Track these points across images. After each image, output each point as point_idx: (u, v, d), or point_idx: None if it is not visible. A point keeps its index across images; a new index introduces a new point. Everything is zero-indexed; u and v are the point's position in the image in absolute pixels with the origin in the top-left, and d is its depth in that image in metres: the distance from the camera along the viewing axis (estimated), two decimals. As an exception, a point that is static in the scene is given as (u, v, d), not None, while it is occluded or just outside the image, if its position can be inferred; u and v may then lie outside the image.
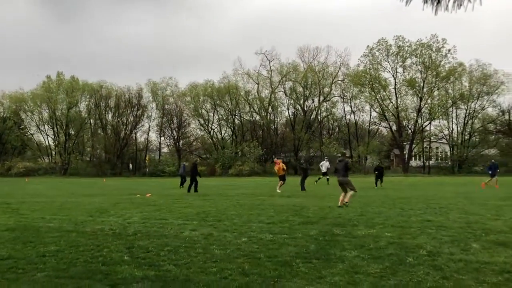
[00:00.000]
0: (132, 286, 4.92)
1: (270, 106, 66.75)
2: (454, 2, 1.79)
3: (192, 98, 67.87)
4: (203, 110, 68.42)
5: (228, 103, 67.16)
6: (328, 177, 27.84)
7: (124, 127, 69.34)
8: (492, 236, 7.68)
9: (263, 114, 67.07)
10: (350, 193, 13.42)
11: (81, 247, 7.20)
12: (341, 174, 13.63)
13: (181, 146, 69.24)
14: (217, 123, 69.22)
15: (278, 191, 20.72)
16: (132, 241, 7.72)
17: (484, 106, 60.10)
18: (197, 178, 21.90)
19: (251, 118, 68.85)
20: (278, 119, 70.33)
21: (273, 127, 68.42)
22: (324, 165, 29.04)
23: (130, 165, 70.49)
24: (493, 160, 29.36)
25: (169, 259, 6.23)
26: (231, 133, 69.70)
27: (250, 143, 62.68)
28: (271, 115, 68.02)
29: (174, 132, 68.91)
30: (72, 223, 10.09)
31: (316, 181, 28.11)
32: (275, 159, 22.92)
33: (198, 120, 68.76)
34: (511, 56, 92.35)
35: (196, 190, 21.23)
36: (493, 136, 62.39)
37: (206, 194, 20.18)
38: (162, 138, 71.44)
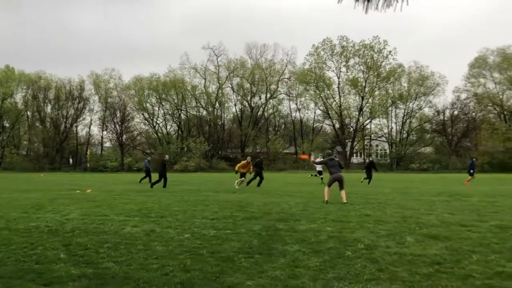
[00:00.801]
0: (68, 285, 4.74)
1: (217, 102, 66.59)
2: (384, 1, 1.87)
3: (137, 92, 66.33)
4: (147, 104, 67.13)
5: (174, 97, 66.27)
6: (322, 176, 26.55)
7: (64, 120, 66.59)
8: (425, 229, 8.08)
9: (210, 110, 66.79)
10: (344, 191, 13.46)
11: (13, 245, 6.84)
12: (338, 171, 13.79)
13: (124, 140, 67.43)
14: (163, 117, 68.21)
15: (237, 187, 20.91)
16: (70, 238, 7.44)
17: (421, 106, 63.31)
18: (166, 174, 21.68)
19: (198, 113, 68.36)
20: (225, 115, 70.46)
21: (220, 123, 68.34)
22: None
23: (71, 160, 67.88)
24: (474, 159, 29.69)
25: (108, 256, 6.07)
26: (177, 128, 68.86)
27: (196, 138, 62.23)
28: (218, 110, 67.92)
29: (117, 126, 67.00)
30: (3, 220, 9.56)
31: (310, 176, 27.53)
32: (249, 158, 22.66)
33: (143, 114, 67.35)
34: (446, 59, 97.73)
35: (164, 186, 21.02)
36: (428, 135, 65.79)
37: (149, 190, 19.80)
38: (105, 132, 69.40)
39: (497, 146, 53.31)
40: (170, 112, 67.70)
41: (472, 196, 15.81)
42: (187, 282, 4.78)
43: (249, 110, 67.45)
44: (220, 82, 66.38)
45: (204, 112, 68.04)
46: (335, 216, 10.11)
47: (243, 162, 22.31)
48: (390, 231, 7.94)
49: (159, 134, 67.99)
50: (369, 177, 25.20)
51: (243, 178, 21.57)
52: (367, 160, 28.26)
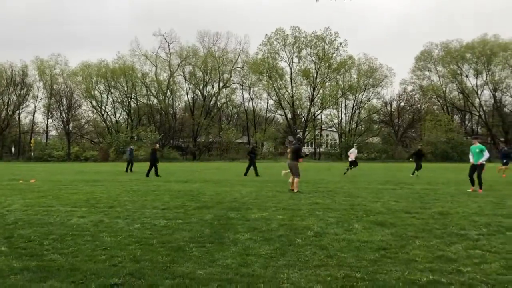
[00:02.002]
0: (10, 279, 4.53)
1: (168, 90, 65.43)
2: None
3: (84, 78, 63.99)
4: (96, 92, 64.94)
5: (123, 85, 64.49)
6: (357, 166, 24.56)
7: (6, 107, 63.12)
8: (372, 217, 8.37)
9: (161, 98, 65.56)
10: (295, 180, 13.52)
11: (-51, 238, 6.45)
12: (290, 157, 13.86)
13: (71, 129, 64.96)
14: (111, 105, 66.22)
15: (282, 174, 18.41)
16: (12, 230, 7.11)
17: (369, 98, 65.22)
18: (156, 163, 22.14)
19: (148, 102, 66.91)
20: (177, 104, 69.33)
21: (171, 112, 67.21)
22: (353, 153, 24.71)
23: (13, 149, 64.63)
24: (505, 147, 28.02)
25: (53, 248, 5.85)
26: (127, 116, 67.16)
27: (146, 127, 60.98)
28: (170, 99, 66.76)
29: (64, 114, 64.32)
30: None
31: (345, 173, 23.49)
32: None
33: (90, 102, 65.18)
34: (395, 52, 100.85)
35: (156, 174, 21.39)
36: (376, 126, 67.96)
37: (98, 180, 19.25)
38: (50, 120, 66.47)
39: (440, 136, 55.86)
40: (119, 100, 65.88)
41: (415, 184, 16.51)
42: (137, 272, 4.70)
43: (202, 99, 66.79)
44: (171, 70, 65.23)
45: (155, 101, 66.71)
46: (286, 204, 10.26)
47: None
48: (338, 219, 8.15)
49: (107, 123, 66.04)
50: (418, 167, 22.33)
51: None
52: (417, 148, 25.46)
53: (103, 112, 65.97)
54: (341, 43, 61.12)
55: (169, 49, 65.20)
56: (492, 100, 62.08)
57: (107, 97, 65.59)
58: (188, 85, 67.03)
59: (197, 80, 66.12)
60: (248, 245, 6.01)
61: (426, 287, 4.19)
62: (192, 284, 4.32)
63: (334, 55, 62.02)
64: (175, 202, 10.77)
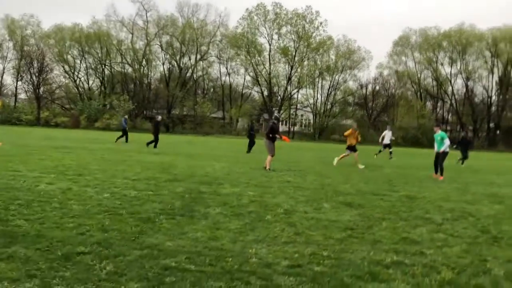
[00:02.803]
0: (-28, 243, 4.41)
1: (144, 59, 64.12)
2: None
3: (57, 42, 61.92)
4: (69, 56, 63.01)
5: (98, 51, 62.75)
6: (391, 149, 23.19)
7: (-29, 66, 60.72)
8: (341, 197, 8.51)
9: (136, 67, 64.27)
10: (268, 157, 13.53)
11: None
12: (265, 136, 13.93)
13: (41, 93, 63.10)
14: (85, 71, 64.55)
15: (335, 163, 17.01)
16: (-25, 194, 6.91)
17: (346, 79, 65.63)
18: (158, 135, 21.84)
19: (123, 70, 65.50)
20: (152, 74, 68.10)
21: (146, 82, 66.02)
22: (387, 135, 23.11)
23: (-22, 110, 62.47)
24: (463, 134, 27.59)
25: (19, 213, 5.72)
26: (100, 84, 65.63)
27: (120, 96, 59.80)
28: (145, 68, 65.48)
29: (34, 77, 62.36)
30: None
31: (376, 154, 22.89)
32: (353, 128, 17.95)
33: (63, 67, 63.30)
34: (372, 35, 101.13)
35: (155, 146, 21.05)
36: (351, 108, 68.63)
37: (67, 147, 18.86)
38: (20, 83, 64.29)
39: (412, 122, 56.96)
40: (93, 67, 64.21)
41: (385, 167, 16.84)
42: (105, 242, 4.66)
43: (178, 71, 65.77)
44: (148, 38, 63.75)
45: (130, 69, 65.34)
46: (257, 181, 10.31)
47: (349, 131, 17.59)
48: (308, 197, 8.26)
49: (80, 89, 64.44)
50: (464, 156, 21.27)
51: (348, 153, 17.10)
52: (460, 135, 23.92)
53: (75, 78, 64.29)
54: (321, 23, 61.10)
55: (146, 17, 63.68)
56: (464, 89, 63.44)
57: (81, 62, 63.89)
58: (164, 55, 65.91)
59: (174, 50, 64.94)
60: (218, 219, 6.03)
61: (390, 267, 4.30)
62: (160, 255, 4.32)
63: (314, 34, 61.99)
64: (146, 173, 10.68)
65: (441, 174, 13.30)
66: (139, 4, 63.49)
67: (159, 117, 24.57)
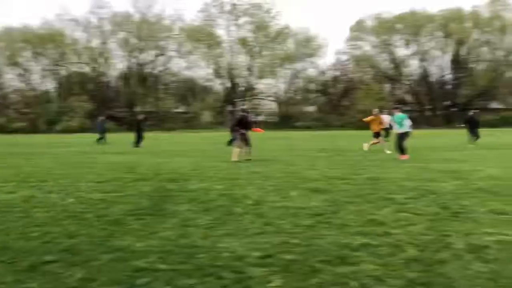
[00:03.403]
0: None
1: (101, 58, 62.49)
2: None
3: (7, 45, 59.44)
4: (21, 59, 60.65)
5: (52, 52, 60.67)
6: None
7: None
8: (308, 184, 8.65)
9: (94, 66, 62.57)
10: (235, 149, 13.53)
11: None
12: (247, 129, 14.00)
13: (-5, 99, 60.63)
14: (40, 74, 62.25)
15: (366, 149, 17.05)
16: None
17: (306, 67, 66.18)
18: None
19: (80, 70, 63.59)
20: (111, 72, 66.44)
21: (105, 80, 64.45)
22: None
23: None
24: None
25: (-20, 227, 5.53)
26: (57, 85, 63.55)
27: (79, 97, 58.16)
28: (103, 67, 63.85)
29: (-15, 83, 59.76)
30: None
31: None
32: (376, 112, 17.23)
33: (16, 70, 60.81)
34: (329, 22, 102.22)
35: (138, 145, 21.19)
36: (312, 95, 69.43)
37: (27, 153, 18.26)
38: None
39: (372, 104, 58.12)
40: (48, 68, 62.05)
41: (349, 151, 17.18)
42: (73, 248, 4.58)
43: (137, 67, 64.54)
44: (104, 36, 62.16)
45: (87, 69, 63.57)
46: (225, 174, 10.33)
47: (371, 116, 17.20)
48: (276, 187, 8.35)
49: (36, 92, 62.26)
50: (474, 134, 20.92)
51: (379, 140, 16.92)
52: (468, 115, 22.69)
53: (30, 81, 62.00)
54: (278, 12, 61.18)
55: (101, 15, 61.94)
56: (420, 70, 65.17)
57: (35, 65, 61.58)
58: (122, 52, 64.37)
59: (132, 47, 63.63)
60: (188, 216, 6.02)
61: (358, 249, 4.43)
62: (131, 257, 4.29)
63: (271, 24, 62.02)
64: (111, 174, 10.50)
65: (403, 153, 13.64)
66: (93, 1, 61.73)
67: (142, 116, 24.28)
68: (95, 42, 63.22)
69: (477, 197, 7.04)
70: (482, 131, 22.04)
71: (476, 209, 6.12)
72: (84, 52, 62.53)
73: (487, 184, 8.26)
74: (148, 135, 29.37)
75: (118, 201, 7.08)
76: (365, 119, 17.83)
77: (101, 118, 27.56)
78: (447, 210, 6.14)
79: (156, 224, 5.57)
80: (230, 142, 21.13)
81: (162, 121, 59.54)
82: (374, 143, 17.04)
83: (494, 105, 64.08)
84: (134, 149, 20.28)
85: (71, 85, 63.15)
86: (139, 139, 21.49)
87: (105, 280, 3.65)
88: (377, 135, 17.04)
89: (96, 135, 26.72)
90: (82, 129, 53.96)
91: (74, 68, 63.66)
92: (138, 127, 21.96)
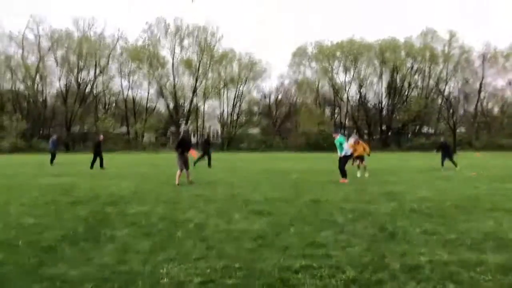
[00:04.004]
0: None
1: (37, 75, 59.88)
2: None
3: None
4: None
5: (-18, 68, 57.39)
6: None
7: None
8: (251, 206, 8.66)
9: (29, 84, 59.77)
10: (177, 172, 13.28)
11: None
12: (187, 150, 13.67)
13: None
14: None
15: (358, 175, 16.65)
16: None
17: (250, 90, 67.15)
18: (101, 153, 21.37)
19: (14, 88, 60.49)
20: (48, 90, 63.74)
21: (41, 99, 61.68)
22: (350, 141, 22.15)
23: None
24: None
25: None
26: (-13, 103, 59.93)
27: (11, 115, 55.18)
28: (39, 85, 61.15)
29: None
30: None
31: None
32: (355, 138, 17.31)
33: None
34: (274, 47, 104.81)
35: (101, 166, 20.80)
36: (256, 117, 70.35)
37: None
38: None
39: (313, 128, 59.68)
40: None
41: (292, 173, 17.46)
42: (1, 278, 4.27)
43: (76, 86, 62.36)
44: (41, 53, 59.73)
45: (22, 87, 60.60)
46: (167, 197, 10.13)
47: (351, 143, 16.87)
48: (219, 210, 8.29)
49: (-37, 110, 58.38)
50: (450, 158, 21.05)
51: (358, 162, 17.05)
52: (439, 141, 23.43)
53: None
54: (222, 35, 61.87)
55: (38, 31, 59.63)
56: (358, 96, 68.01)
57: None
58: (60, 70, 62.07)
59: (71, 65, 61.55)
60: (126, 241, 5.83)
61: (299, 272, 4.48)
62: (64, 286, 4.07)
63: (216, 46, 62.56)
64: (45, 197, 9.97)
65: (343, 177, 14.02)
66: (29, 17, 59.35)
67: (101, 137, 23.38)
68: (32, 59, 60.59)
69: (411, 218, 7.36)
70: (415, 155, 23.24)
71: (411, 230, 6.39)
72: (19, 69, 59.65)
73: (419, 205, 8.68)
74: (86, 157, 28.30)
75: (52, 226, 6.73)
76: (349, 146, 17.76)
77: (53, 137, 26.18)
78: (384, 231, 6.36)
79: (92, 250, 5.33)
80: (195, 163, 21.17)
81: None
82: (359, 164, 17.14)
83: (426, 130, 67.97)
84: (71, 170, 19.42)
85: (2, 103, 59.81)
86: (101, 159, 21.05)
87: (35, 312, 3.43)
88: (359, 158, 17.08)
89: (48, 155, 25.38)
90: (15, 149, 51.02)
91: (7, 86, 60.46)
92: (97, 148, 21.39)
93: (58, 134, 30.37)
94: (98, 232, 6.35)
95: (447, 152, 21.43)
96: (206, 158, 22.15)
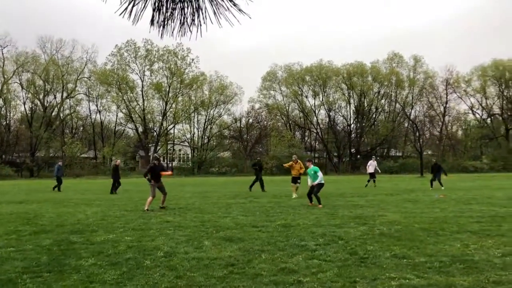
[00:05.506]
0: None
1: (1, 99, 58.29)
2: (178, 31, 2.03)
3: None
4: None
5: None
6: (375, 178, 24.89)
7: None
8: (222, 232, 8.55)
9: (-9, 107, 58.05)
10: (149, 198, 13.17)
11: None
12: (159, 177, 13.53)
13: None
14: None
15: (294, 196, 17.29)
16: None
17: (221, 114, 67.21)
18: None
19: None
20: (12, 114, 62.04)
21: (4, 123, 59.89)
22: (372, 165, 25.09)
23: None
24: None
25: None
26: None
27: (-28, 140, 53.31)
28: (3, 109, 59.47)
29: None
30: None
31: (366, 185, 24.31)
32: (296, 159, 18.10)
33: None
34: (244, 72, 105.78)
35: (115, 191, 21.02)
36: (227, 141, 70.29)
37: None
38: None
39: (284, 151, 60.04)
40: None
41: (262, 197, 17.40)
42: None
43: (42, 110, 60.96)
44: (5, 76, 58.29)
45: (-17, 110, 58.78)
46: (135, 224, 9.89)
47: (290, 163, 18.28)
48: (189, 236, 8.14)
49: None
50: (439, 179, 21.97)
51: (296, 184, 17.80)
52: (432, 161, 24.60)
53: None
54: (193, 59, 61.99)
55: (2, 53, 58.31)
56: (327, 119, 69.10)
57: None
58: (25, 94, 60.63)
59: (37, 89, 60.28)
60: (92, 271, 5.62)
61: (270, 300, 4.41)
62: (24, 322, 3.86)
63: (187, 70, 62.59)
64: (5, 227, 9.57)
65: (319, 203, 13.80)
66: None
67: (118, 161, 23.13)
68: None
69: (381, 242, 7.42)
70: (382, 177, 23.69)
71: (381, 254, 6.43)
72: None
73: (389, 229, 8.77)
74: (51, 182, 27.46)
75: (13, 257, 6.44)
76: (285, 165, 19.18)
77: (59, 163, 25.31)
78: (354, 255, 6.37)
79: (55, 282, 5.12)
80: (251, 186, 21.41)
81: (68, 167, 56.14)
82: (296, 188, 17.77)
83: (393, 153, 69.41)
84: (35, 197, 18.77)
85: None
86: (117, 185, 21.38)
87: None
88: (295, 180, 17.81)
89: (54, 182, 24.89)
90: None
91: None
92: (115, 173, 21.64)
93: (62, 160, 29.58)
94: (62, 262, 6.12)
95: (438, 172, 22.27)
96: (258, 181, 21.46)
